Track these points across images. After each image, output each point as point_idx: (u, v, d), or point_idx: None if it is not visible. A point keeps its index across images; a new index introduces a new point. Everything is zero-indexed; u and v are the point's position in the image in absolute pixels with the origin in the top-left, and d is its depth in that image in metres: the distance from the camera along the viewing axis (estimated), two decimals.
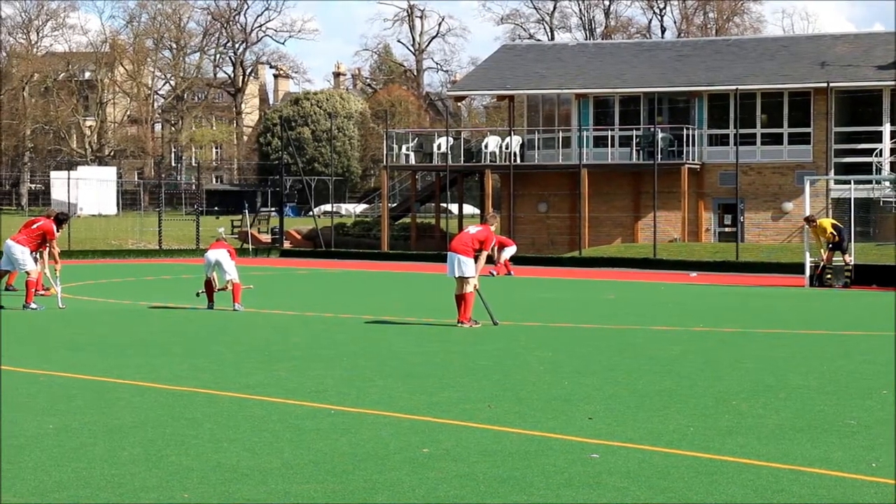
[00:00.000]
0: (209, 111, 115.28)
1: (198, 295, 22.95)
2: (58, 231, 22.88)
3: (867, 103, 47.53)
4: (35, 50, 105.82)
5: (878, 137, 46.60)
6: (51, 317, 20.98)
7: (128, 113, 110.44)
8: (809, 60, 49.11)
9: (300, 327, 19.59)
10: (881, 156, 46.10)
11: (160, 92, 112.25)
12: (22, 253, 22.39)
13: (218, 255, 22.28)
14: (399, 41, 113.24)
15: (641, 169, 47.97)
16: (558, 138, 51.04)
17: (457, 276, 18.97)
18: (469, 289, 19.03)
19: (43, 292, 23.65)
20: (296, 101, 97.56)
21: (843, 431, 10.04)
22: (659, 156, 45.94)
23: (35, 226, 22.99)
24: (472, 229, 19.48)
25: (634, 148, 48.87)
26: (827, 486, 8.13)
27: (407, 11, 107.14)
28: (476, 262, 19.11)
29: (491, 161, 50.79)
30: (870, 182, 43.84)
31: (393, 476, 8.37)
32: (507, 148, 50.61)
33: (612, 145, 49.76)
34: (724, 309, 23.64)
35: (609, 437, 9.78)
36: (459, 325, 19.02)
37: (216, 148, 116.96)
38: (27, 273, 22.40)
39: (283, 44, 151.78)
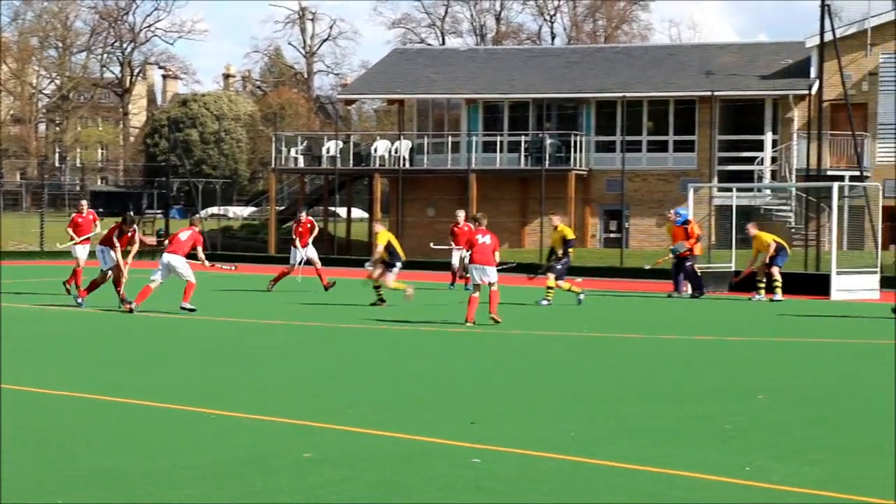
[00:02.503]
0: (95, 111, 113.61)
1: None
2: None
3: (750, 112, 48.33)
4: None
5: (759, 146, 47.43)
6: None
7: (11, 112, 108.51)
8: (695, 69, 49.82)
9: (186, 329, 19.39)
10: (762, 164, 46.95)
11: (45, 91, 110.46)
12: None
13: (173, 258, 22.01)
14: (290, 43, 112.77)
15: (529, 174, 48.29)
16: (447, 143, 51.14)
17: (486, 283, 20.13)
18: (495, 287, 20.19)
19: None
20: (184, 102, 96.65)
21: (719, 436, 10.21)
22: (547, 162, 46.29)
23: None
24: (487, 239, 20.45)
25: (523, 153, 49.16)
26: (701, 490, 8.26)
27: (298, 14, 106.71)
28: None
29: (380, 165, 50.74)
30: (751, 190, 44.62)
31: (273, 481, 8.33)
32: (396, 152, 50.61)
33: (501, 151, 49.99)
34: (609, 315, 23.86)
35: (491, 441, 9.82)
36: (488, 321, 19.82)
37: (102, 149, 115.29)
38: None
39: (172, 44, 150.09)
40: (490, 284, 20.16)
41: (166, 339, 18.02)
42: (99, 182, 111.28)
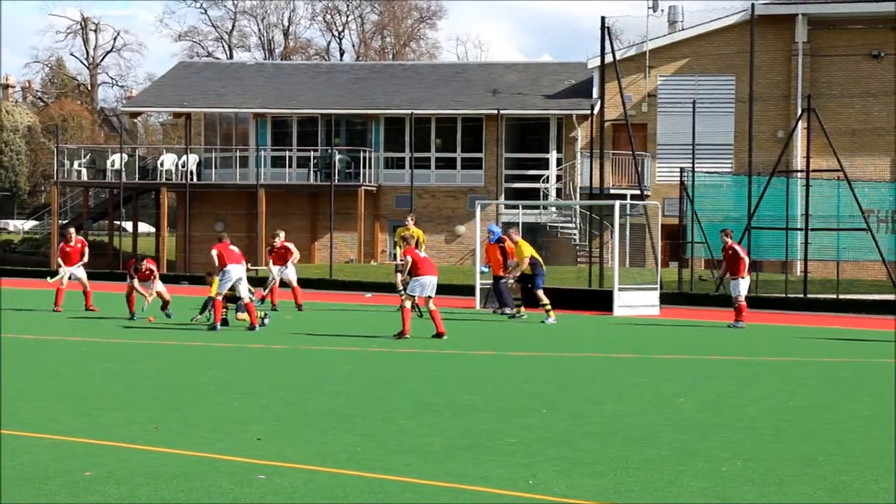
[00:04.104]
0: None
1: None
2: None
3: (535, 131, 49.24)
4: None
5: (545, 164, 48.35)
6: None
7: None
8: (482, 88, 50.53)
9: None
10: (548, 182, 47.87)
11: None
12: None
13: (241, 271, 22.62)
14: (72, 54, 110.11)
15: (319, 190, 48.24)
16: (236, 157, 50.76)
17: (432, 295, 21.20)
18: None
19: None
20: None
21: (503, 450, 10.33)
22: (336, 177, 46.31)
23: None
24: (424, 254, 22.25)
25: (312, 169, 49.15)
26: (487, 503, 8.35)
27: (80, 24, 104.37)
28: None
29: (167, 179, 50.04)
30: (537, 207, 45.45)
31: (50, 501, 8.11)
32: (183, 166, 49.97)
33: (290, 166, 49.86)
34: (394, 329, 23.93)
35: (277, 458, 9.76)
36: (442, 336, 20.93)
37: None
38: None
39: None
40: (429, 298, 21.20)
41: None
42: None
